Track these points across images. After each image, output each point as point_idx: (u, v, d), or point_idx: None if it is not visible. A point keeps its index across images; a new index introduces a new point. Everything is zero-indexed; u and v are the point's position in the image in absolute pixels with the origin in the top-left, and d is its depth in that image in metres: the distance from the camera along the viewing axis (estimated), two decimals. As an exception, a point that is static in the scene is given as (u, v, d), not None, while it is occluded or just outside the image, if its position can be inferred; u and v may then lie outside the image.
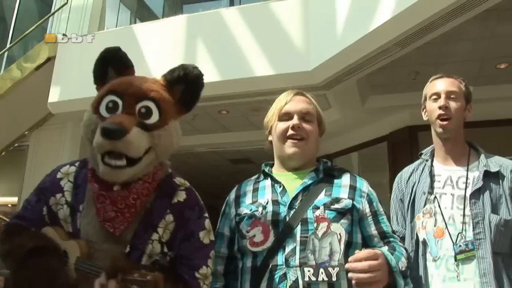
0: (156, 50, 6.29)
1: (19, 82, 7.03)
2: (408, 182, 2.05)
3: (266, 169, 1.92)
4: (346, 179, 1.84)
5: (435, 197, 1.91)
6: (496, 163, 1.92)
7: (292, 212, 1.72)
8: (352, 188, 1.80)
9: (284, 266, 1.64)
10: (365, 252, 1.55)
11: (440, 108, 1.94)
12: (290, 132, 1.83)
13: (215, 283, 1.73)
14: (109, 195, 1.52)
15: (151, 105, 1.54)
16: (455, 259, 1.80)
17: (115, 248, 1.50)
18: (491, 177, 1.87)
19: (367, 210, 1.78)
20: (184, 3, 9.99)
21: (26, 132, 7.93)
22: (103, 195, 1.52)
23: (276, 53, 5.65)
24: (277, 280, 1.63)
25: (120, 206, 1.51)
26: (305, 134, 1.83)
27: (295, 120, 1.83)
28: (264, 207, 1.75)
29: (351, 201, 1.75)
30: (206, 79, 5.69)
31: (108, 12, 8.34)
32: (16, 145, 8.15)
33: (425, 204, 1.93)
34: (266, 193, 1.82)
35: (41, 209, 1.63)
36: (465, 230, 1.81)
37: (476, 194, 1.84)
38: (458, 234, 1.82)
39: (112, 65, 1.67)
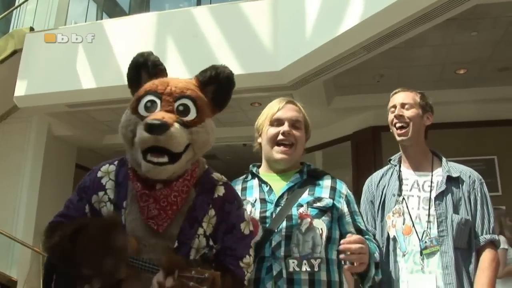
0: (125, 46, 6.28)
1: (-17, 75, 6.91)
2: (379, 185, 2.26)
3: (254, 170, 2.04)
4: (327, 181, 1.98)
5: (403, 198, 2.12)
6: (456, 169, 2.14)
7: (278, 209, 1.86)
8: (333, 189, 1.94)
9: (271, 258, 1.78)
10: (356, 236, 1.75)
11: (395, 116, 2.16)
12: (280, 137, 1.95)
13: None
14: (152, 194, 1.57)
15: (189, 102, 1.59)
16: (421, 254, 2.01)
17: (162, 243, 1.56)
18: (453, 181, 2.10)
19: (346, 209, 1.93)
20: (151, -2, 9.94)
21: (-10, 126, 7.78)
22: (146, 194, 1.57)
23: (245, 53, 5.74)
24: (264, 271, 1.78)
25: (162, 204, 1.56)
26: (294, 140, 1.96)
27: (285, 127, 1.96)
28: (253, 205, 1.90)
29: (331, 200, 1.90)
30: (176, 76, 5.71)
31: (74, 4, 8.25)
32: (-22, 138, 7.98)
33: (394, 205, 2.14)
34: (254, 192, 1.96)
35: (84, 207, 1.66)
36: (430, 228, 2.03)
37: (440, 197, 2.07)
38: (423, 232, 2.04)
39: (145, 69, 1.72)
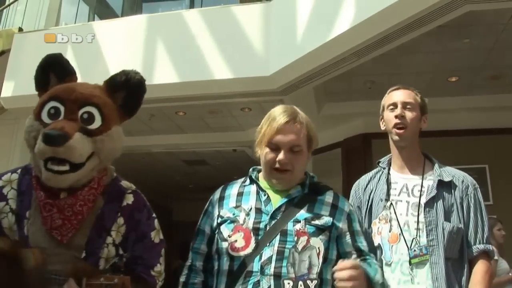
0: (114, 48, 6.22)
1: (-30, 74, 6.80)
2: (366, 189, 2.13)
3: (253, 175, 1.92)
4: (329, 197, 1.86)
5: (391, 204, 2.00)
6: (449, 173, 2.02)
7: (273, 222, 1.75)
8: (334, 207, 1.84)
9: (258, 274, 1.67)
10: (347, 262, 1.64)
11: (396, 117, 2.03)
12: (277, 165, 1.81)
13: (195, 278, 1.80)
14: (55, 203, 1.51)
15: (94, 110, 1.55)
16: (410, 263, 1.89)
17: (68, 253, 1.50)
18: (444, 186, 1.98)
19: (346, 229, 1.82)
20: (144, 1, 9.90)
21: (-25, 127, 7.66)
22: (49, 203, 1.51)
23: (235, 57, 5.70)
24: (250, 286, 1.66)
25: (67, 214, 1.51)
26: (291, 167, 1.81)
27: (281, 155, 1.79)
28: (247, 214, 1.78)
29: (331, 219, 1.79)
30: (165, 80, 5.69)
31: (66, 6, 8.19)
32: (-36, 139, 7.86)
33: (381, 211, 2.02)
34: (250, 199, 1.84)
35: None
36: (419, 236, 1.91)
37: (430, 203, 1.94)
38: (412, 240, 1.91)
39: (54, 71, 1.66)
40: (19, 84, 6.46)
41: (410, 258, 1.89)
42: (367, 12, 4.26)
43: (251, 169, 1.96)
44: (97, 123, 1.54)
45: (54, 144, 1.42)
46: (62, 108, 1.53)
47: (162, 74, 5.87)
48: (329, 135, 7.03)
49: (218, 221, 1.82)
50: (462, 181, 2.00)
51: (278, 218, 1.75)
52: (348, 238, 1.82)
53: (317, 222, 1.76)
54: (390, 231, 1.96)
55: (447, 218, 1.92)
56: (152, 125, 7.51)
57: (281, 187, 1.85)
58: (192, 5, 7.96)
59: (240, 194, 1.88)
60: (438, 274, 1.85)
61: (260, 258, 1.68)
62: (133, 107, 1.69)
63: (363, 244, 1.85)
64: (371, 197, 2.09)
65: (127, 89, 1.65)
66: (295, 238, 1.70)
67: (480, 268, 1.88)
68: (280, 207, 1.79)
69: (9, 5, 7.78)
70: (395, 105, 2.07)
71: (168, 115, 7.00)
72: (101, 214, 1.58)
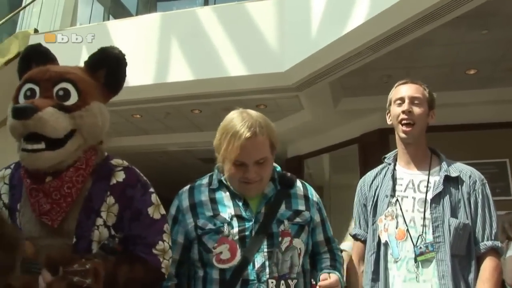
0: (129, 48, 6.20)
1: (-13, 77, 6.88)
2: (371, 185, 2.09)
3: (223, 179, 1.85)
4: (300, 189, 1.90)
5: (397, 200, 1.95)
6: (456, 168, 1.96)
7: (257, 226, 1.74)
8: (306, 199, 1.88)
9: (256, 281, 1.68)
10: (332, 280, 1.73)
11: (403, 112, 1.98)
12: (245, 180, 1.76)
13: (167, 282, 1.73)
14: (41, 187, 1.47)
15: (69, 86, 1.49)
16: (415, 261, 1.85)
17: (60, 241, 1.46)
18: (451, 182, 1.92)
19: (318, 219, 1.90)
20: (158, 0, 9.94)
21: (-5, 128, 7.75)
22: (35, 188, 1.47)
23: (250, 54, 5.67)
24: None
25: (54, 197, 1.46)
26: (259, 177, 1.77)
27: (249, 173, 1.74)
28: (229, 223, 1.75)
29: (308, 213, 1.85)
30: (179, 78, 5.69)
31: (81, 7, 8.24)
32: (-17, 141, 7.96)
33: (387, 207, 1.97)
34: (227, 206, 1.80)
35: None
36: (425, 232, 1.87)
37: (437, 198, 1.89)
38: (418, 237, 1.87)
39: (35, 61, 1.63)
40: (36, 85, 6.51)
41: (416, 256, 1.85)
42: (381, 5, 4.18)
43: (216, 173, 1.88)
44: (73, 99, 1.48)
45: (21, 117, 1.36)
46: (37, 89, 1.49)
47: (176, 72, 5.88)
48: (346, 130, 6.98)
49: (199, 233, 1.76)
50: (470, 176, 1.94)
51: (260, 221, 1.75)
52: (319, 228, 1.90)
53: (298, 219, 1.80)
54: (396, 228, 1.92)
55: (454, 214, 1.87)
56: (168, 124, 7.52)
57: (253, 195, 1.81)
58: (206, 3, 7.97)
59: (213, 201, 1.82)
60: (445, 272, 1.80)
61: (254, 266, 1.69)
62: (115, 82, 1.63)
63: (330, 231, 1.94)
64: (376, 193, 2.04)
65: (106, 66, 1.61)
66: (280, 239, 1.73)
67: (488, 265, 1.83)
68: (260, 210, 1.78)
69: (24, 7, 7.83)
70: (402, 99, 2.01)
71: (183, 113, 7.01)
72: (88, 195, 1.51)
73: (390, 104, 2.11)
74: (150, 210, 1.58)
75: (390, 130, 6.38)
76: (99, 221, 1.50)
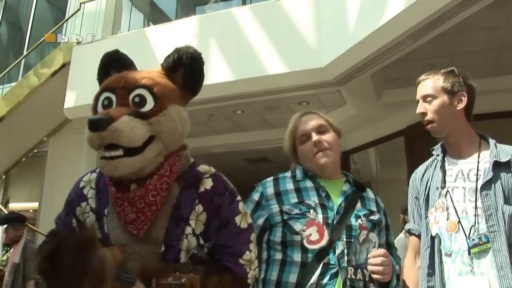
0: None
1: (36, 89, 7.15)
2: (423, 179, 2.02)
3: (306, 171, 2.00)
4: (371, 193, 2.05)
5: (447, 191, 1.87)
6: (507, 152, 1.85)
7: (338, 217, 1.86)
8: (376, 203, 2.03)
9: (336, 266, 1.78)
10: (381, 251, 1.83)
11: (419, 114, 1.97)
12: (315, 148, 1.94)
13: None
14: (126, 196, 1.47)
15: (144, 92, 1.47)
16: (469, 253, 1.76)
17: (148, 249, 1.46)
18: (502, 167, 1.81)
19: (384, 223, 2.02)
20: (196, 4, 10.01)
21: (45, 138, 8.04)
22: (119, 197, 1.47)
23: (288, 51, 5.63)
24: (328, 277, 1.77)
25: (139, 206, 1.46)
26: (328, 144, 1.95)
27: (314, 137, 1.95)
28: (314, 209, 1.86)
29: (379, 214, 1.98)
30: (220, 79, 5.75)
31: (123, 16, 8.41)
32: (35, 151, 8.27)
33: (438, 199, 1.89)
34: (311, 195, 1.92)
35: (71, 222, 1.61)
36: (478, 222, 1.77)
37: (487, 186, 1.79)
38: (471, 227, 1.78)
39: (113, 67, 1.64)
40: (80, 94, 6.69)
41: (469, 248, 1.76)
42: (419, -9, 4.06)
43: (298, 167, 2.02)
44: (149, 104, 1.45)
45: (96, 129, 1.36)
46: (113, 97, 1.48)
47: (216, 73, 5.87)
48: (391, 123, 6.84)
49: (285, 217, 1.86)
50: None
51: (341, 213, 1.88)
52: (384, 231, 2.01)
53: (372, 217, 1.93)
54: (447, 220, 1.84)
55: (508, 201, 1.76)
56: (212, 125, 7.57)
57: (329, 167, 1.96)
58: (244, 3, 7.98)
59: (298, 190, 1.93)
60: (503, 262, 1.69)
61: (335, 251, 1.80)
62: (193, 83, 1.60)
63: (392, 237, 2.07)
64: (428, 186, 1.97)
65: (183, 66, 1.57)
66: (358, 231, 1.85)
67: None
68: (341, 203, 1.90)
69: (67, 19, 8.08)
70: (418, 101, 1.99)
71: (226, 114, 7.04)
72: (177, 203, 1.50)
73: None
74: (238, 219, 1.56)
75: (437, 120, 6.19)
76: (188, 230, 1.48)
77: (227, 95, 6.13)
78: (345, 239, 1.81)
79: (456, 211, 1.82)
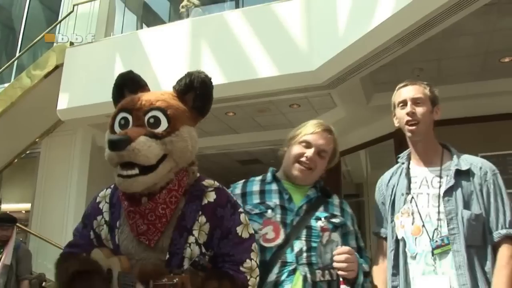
0: (161, 55, 6.37)
1: (29, 90, 7.17)
2: (388, 185, 2.17)
3: (277, 174, 2.13)
4: (336, 200, 2.15)
5: (412, 197, 2.02)
6: (467, 161, 2.01)
7: (297, 218, 1.97)
8: (341, 209, 2.12)
9: (294, 263, 1.88)
10: (344, 248, 1.92)
11: (407, 114, 2.05)
12: (303, 159, 2.05)
13: None
14: (137, 210, 1.58)
15: (159, 114, 1.59)
16: (432, 254, 1.90)
17: (153, 256, 1.57)
18: (463, 175, 1.96)
19: (351, 227, 2.09)
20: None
21: (37, 139, 8.06)
22: (132, 211, 1.59)
23: (279, 54, 5.70)
24: (286, 274, 1.87)
25: (150, 219, 1.57)
26: (314, 166, 2.06)
27: (310, 153, 2.05)
28: (273, 210, 1.98)
29: (343, 218, 2.07)
30: (212, 81, 5.72)
31: (116, 17, 8.45)
32: (27, 152, 8.29)
33: (403, 204, 2.04)
34: (273, 197, 2.04)
35: (88, 234, 1.73)
36: (440, 226, 1.92)
37: (449, 192, 1.94)
38: (434, 231, 1.92)
39: (127, 87, 1.76)
40: (73, 96, 6.74)
41: (433, 249, 1.90)
42: (407, -3, 4.14)
43: (271, 170, 2.16)
44: (163, 125, 1.58)
45: (116, 149, 1.48)
46: (130, 117, 1.60)
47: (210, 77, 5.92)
48: (381, 126, 6.90)
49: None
50: (480, 168, 1.98)
51: (301, 215, 1.99)
52: (352, 236, 2.08)
53: (334, 220, 2.02)
54: (412, 224, 1.97)
55: (467, 206, 1.91)
56: (204, 127, 7.62)
57: (299, 181, 2.08)
58: (237, 6, 8.04)
59: (262, 192, 2.07)
60: (461, 262, 1.84)
61: (292, 249, 1.89)
62: (203, 106, 1.72)
63: (361, 242, 2.12)
64: (393, 191, 2.11)
65: (194, 90, 1.69)
66: (320, 234, 1.94)
67: (504, 252, 1.85)
68: (302, 205, 2.02)
69: (60, 21, 8.10)
70: (405, 102, 2.09)
71: (218, 116, 7.09)
72: (181, 215, 1.62)
73: (394, 108, 2.20)
74: (239, 229, 1.68)
75: (425, 123, 6.23)
76: (191, 239, 1.59)
77: (219, 97, 6.10)
78: (304, 239, 1.92)
79: (420, 216, 1.97)
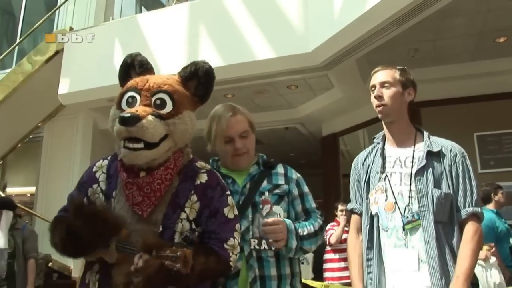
0: (160, 38, 6.44)
1: (30, 75, 7.25)
2: (364, 164, 2.27)
3: (215, 165, 2.23)
4: (281, 169, 2.24)
5: (386, 175, 2.13)
6: (438, 143, 2.11)
7: (243, 198, 2.09)
8: (286, 176, 2.22)
9: (241, 241, 1.93)
10: (272, 219, 2.02)
11: (374, 97, 2.17)
12: (236, 152, 2.15)
13: None
14: (135, 182, 1.70)
15: (165, 97, 1.73)
16: (403, 229, 2.03)
17: (147, 228, 1.70)
18: (434, 156, 2.08)
19: (296, 193, 2.20)
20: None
21: (40, 124, 8.20)
22: (130, 182, 1.71)
23: (276, 36, 5.75)
24: None
25: (146, 191, 1.70)
26: (246, 149, 2.16)
27: (237, 144, 2.14)
28: None
29: (287, 186, 2.18)
30: (210, 64, 5.76)
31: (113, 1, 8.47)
32: (31, 136, 8.42)
33: (378, 182, 2.15)
34: None
35: (82, 200, 1.81)
36: (412, 203, 2.04)
37: (421, 172, 2.05)
38: (405, 207, 2.05)
39: (133, 68, 1.89)
40: (74, 81, 6.83)
41: (404, 224, 2.02)
42: (402, -22, 4.18)
43: (211, 161, 2.26)
44: (168, 108, 1.71)
45: (127, 125, 1.61)
46: (137, 97, 1.73)
47: (206, 58, 5.94)
48: (377, 106, 6.99)
49: None
50: (450, 150, 2.09)
51: (246, 193, 2.10)
52: (298, 200, 2.20)
53: (277, 190, 2.13)
54: (386, 200, 2.09)
55: (437, 185, 2.03)
56: (203, 110, 7.62)
57: (244, 167, 2.19)
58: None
59: None
60: (429, 237, 1.96)
61: (240, 228, 1.93)
62: (204, 93, 1.88)
63: (310, 203, 2.24)
64: (368, 170, 2.22)
65: (197, 78, 1.84)
66: (261, 206, 2.06)
67: (469, 229, 1.98)
68: (245, 184, 2.13)
69: (59, 6, 8.13)
70: (374, 86, 2.19)
71: (217, 98, 7.05)
72: (175, 192, 1.74)
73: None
74: (226, 210, 1.81)
75: (421, 103, 6.37)
76: (183, 215, 1.73)
77: (217, 80, 6.19)
78: (250, 216, 2.04)
79: (393, 193, 2.09)
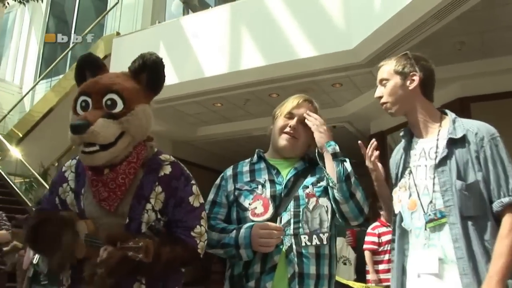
0: (203, 41, 6.54)
1: (80, 80, 7.46)
2: (395, 160, 2.11)
3: (261, 154, 2.21)
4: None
5: (411, 170, 1.96)
6: (463, 127, 1.88)
7: (286, 190, 2.04)
8: None
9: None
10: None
11: (377, 97, 2.07)
12: (287, 129, 2.12)
13: (220, 224, 2.06)
14: (100, 179, 1.75)
15: (115, 96, 1.74)
16: (425, 228, 1.85)
17: (115, 221, 1.76)
18: (458, 143, 1.86)
19: None
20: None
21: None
22: (95, 179, 1.77)
23: (318, 34, 5.74)
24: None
25: (111, 187, 1.75)
26: (298, 135, 2.12)
27: (293, 122, 2.11)
28: (263, 185, 2.06)
29: None
30: (252, 64, 5.94)
31: (162, 5, 8.65)
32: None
33: (401, 179, 1.99)
34: (262, 174, 2.12)
35: (54, 200, 1.91)
36: (435, 198, 1.85)
37: (443, 162, 1.85)
38: (429, 204, 1.86)
39: (88, 68, 1.92)
40: (122, 84, 6.99)
41: (426, 223, 1.84)
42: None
43: (257, 150, 2.23)
44: (119, 106, 1.73)
45: (78, 133, 1.64)
46: (89, 100, 1.76)
47: (249, 59, 6.09)
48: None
49: (236, 194, 2.09)
50: (476, 134, 1.85)
51: (289, 187, 2.05)
52: None
53: (322, 183, 2.05)
54: (409, 198, 1.92)
55: (462, 176, 1.81)
56: (249, 110, 7.76)
57: (287, 152, 2.14)
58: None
59: (252, 171, 2.16)
60: (457, 235, 1.76)
61: (280, 221, 1.97)
62: (155, 84, 1.86)
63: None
64: (398, 166, 2.06)
65: (146, 70, 1.84)
66: (306, 200, 2.00)
67: (506, 222, 1.74)
68: (290, 178, 2.08)
69: (107, 12, 8.37)
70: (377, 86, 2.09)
71: (262, 98, 7.20)
72: (140, 185, 1.79)
73: None
74: (191, 198, 1.84)
75: (471, 98, 6.15)
76: (148, 206, 1.77)
77: (260, 79, 6.30)
78: (292, 210, 1.98)
79: (417, 189, 1.91)
